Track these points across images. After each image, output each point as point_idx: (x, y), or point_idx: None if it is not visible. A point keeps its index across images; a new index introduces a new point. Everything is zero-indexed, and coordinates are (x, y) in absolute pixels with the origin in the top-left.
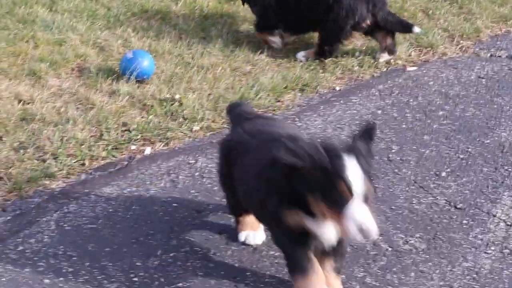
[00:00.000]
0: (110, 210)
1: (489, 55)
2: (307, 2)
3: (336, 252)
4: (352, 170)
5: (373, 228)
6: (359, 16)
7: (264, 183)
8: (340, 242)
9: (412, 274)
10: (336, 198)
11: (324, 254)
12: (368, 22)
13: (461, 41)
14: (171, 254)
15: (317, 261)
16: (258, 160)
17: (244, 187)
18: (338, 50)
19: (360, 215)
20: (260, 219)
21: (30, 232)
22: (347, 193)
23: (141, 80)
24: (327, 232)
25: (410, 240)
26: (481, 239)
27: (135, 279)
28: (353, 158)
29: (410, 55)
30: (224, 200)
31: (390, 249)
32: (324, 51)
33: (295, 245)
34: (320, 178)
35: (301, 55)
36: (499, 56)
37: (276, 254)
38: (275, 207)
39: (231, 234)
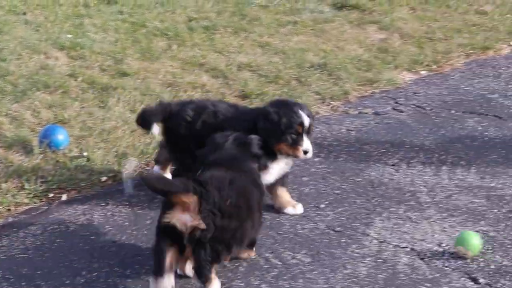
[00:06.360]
0: (38, 243)
1: (357, 112)
2: None
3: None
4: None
5: None
6: None
7: None
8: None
9: (301, 280)
10: None
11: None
12: None
13: (332, 102)
14: (94, 274)
15: None
16: None
17: None
18: None
19: None
20: None
21: None
22: None
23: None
24: None
25: (297, 256)
26: (358, 253)
27: None
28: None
29: None
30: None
31: (280, 263)
32: None
33: None
34: None
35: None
36: (366, 113)
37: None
38: None
39: (145, 257)
